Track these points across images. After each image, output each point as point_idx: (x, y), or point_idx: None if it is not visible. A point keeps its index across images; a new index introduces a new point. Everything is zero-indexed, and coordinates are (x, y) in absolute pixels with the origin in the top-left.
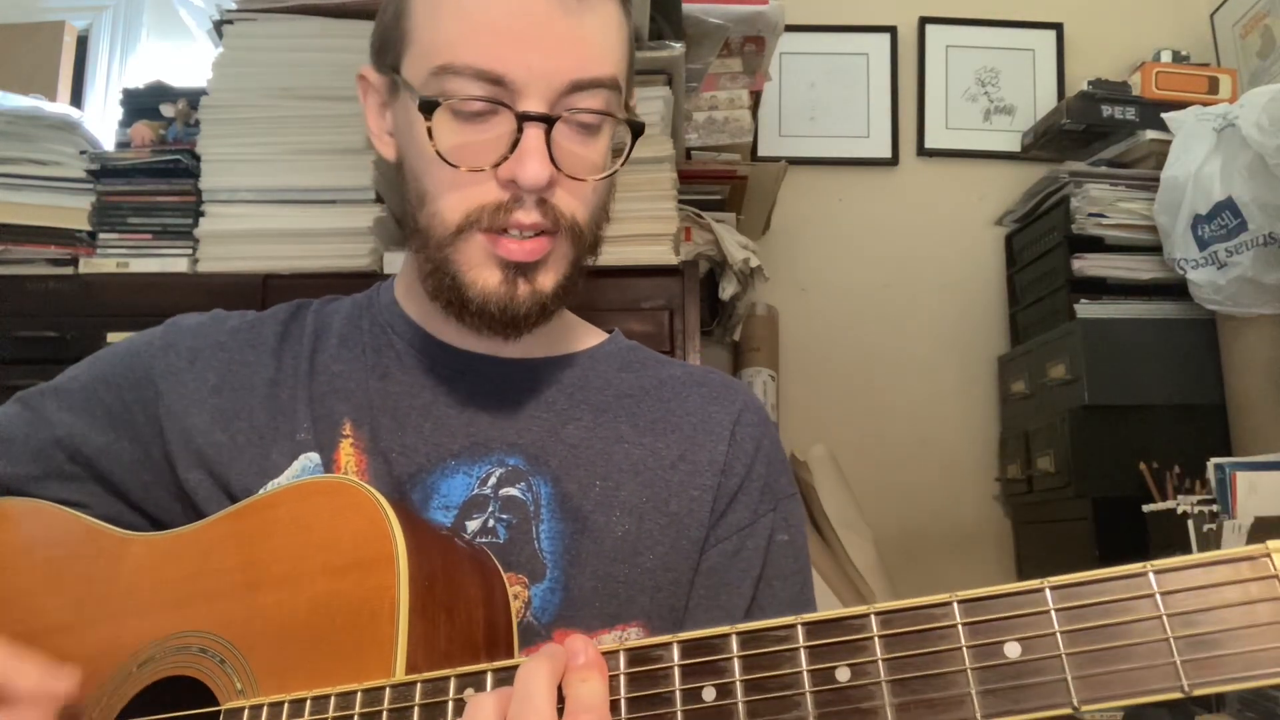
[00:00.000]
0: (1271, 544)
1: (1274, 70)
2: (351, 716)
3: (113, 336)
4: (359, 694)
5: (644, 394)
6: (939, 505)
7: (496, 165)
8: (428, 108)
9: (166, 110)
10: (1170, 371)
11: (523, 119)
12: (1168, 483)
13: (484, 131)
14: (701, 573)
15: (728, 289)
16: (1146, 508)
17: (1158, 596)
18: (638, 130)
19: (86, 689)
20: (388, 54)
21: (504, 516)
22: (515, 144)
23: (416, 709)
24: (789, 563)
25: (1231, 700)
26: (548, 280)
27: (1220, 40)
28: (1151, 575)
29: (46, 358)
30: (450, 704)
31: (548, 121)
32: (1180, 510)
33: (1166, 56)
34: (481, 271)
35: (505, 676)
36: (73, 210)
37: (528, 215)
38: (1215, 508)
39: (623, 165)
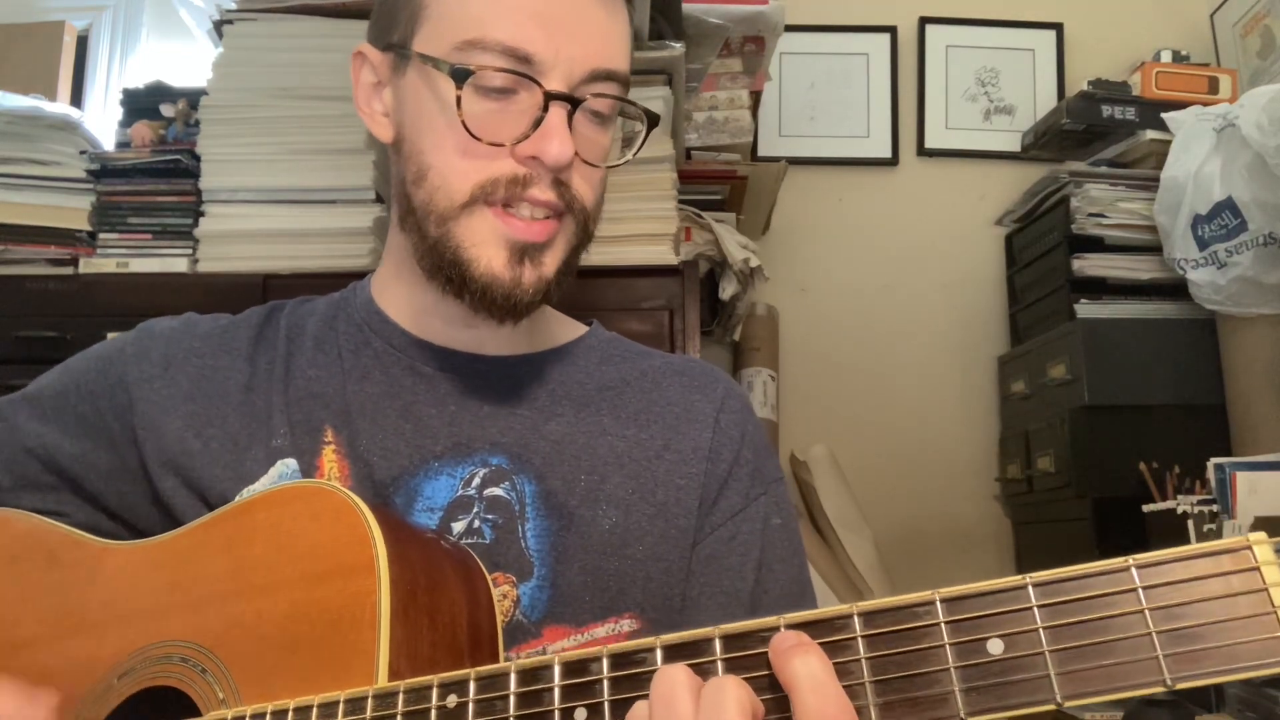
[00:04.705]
0: (1252, 536)
1: (1274, 70)
2: None
3: (113, 337)
4: (341, 703)
5: (625, 386)
6: (939, 505)
7: (516, 142)
8: (460, 76)
9: (166, 110)
10: (1170, 371)
11: (550, 97)
12: (1168, 483)
13: (505, 107)
14: (699, 560)
15: (728, 289)
16: (1146, 508)
17: (1140, 591)
18: (653, 121)
19: (66, 703)
20: (394, 30)
21: (489, 517)
22: (538, 122)
23: (399, 717)
24: (786, 546)
25: (1232, 700)
26: (551, 263)
27: (1220, 40)
28: (1134, 570)
29: (46, 358)
30: (433, 711)
31: (572, 103)
32: (1180, 510)
33: (1166, 56)
34: (486, 249)
35: (488, 682)
36: (73, 210)
37: (543, 192)
38: (1215, 508)
39: (634, 156)
